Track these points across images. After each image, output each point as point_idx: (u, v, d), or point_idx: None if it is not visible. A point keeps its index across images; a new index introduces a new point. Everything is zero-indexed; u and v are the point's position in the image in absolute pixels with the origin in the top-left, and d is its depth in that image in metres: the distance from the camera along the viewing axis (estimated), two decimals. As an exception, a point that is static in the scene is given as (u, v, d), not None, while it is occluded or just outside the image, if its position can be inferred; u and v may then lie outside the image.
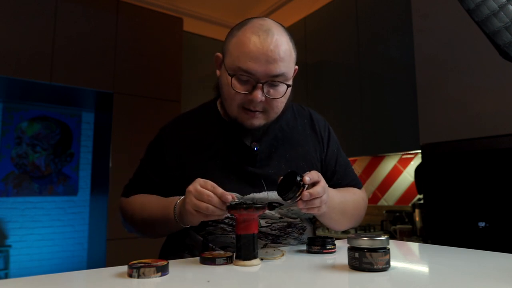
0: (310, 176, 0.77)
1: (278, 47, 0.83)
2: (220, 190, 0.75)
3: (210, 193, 0.75)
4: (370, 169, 3.02)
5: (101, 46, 2.96)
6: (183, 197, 0.83)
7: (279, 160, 0.96)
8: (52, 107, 3.92)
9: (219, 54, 0.94)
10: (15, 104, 3.77)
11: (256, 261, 0.73)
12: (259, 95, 0.84)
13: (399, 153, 2.73)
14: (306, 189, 0.76)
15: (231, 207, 0.73)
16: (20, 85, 2.85)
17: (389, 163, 2.87)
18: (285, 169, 0.95)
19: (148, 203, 0.95)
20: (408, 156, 2.74)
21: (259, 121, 0.90)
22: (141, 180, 1.01)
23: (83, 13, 2.90)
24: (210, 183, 0.77)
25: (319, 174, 0.79)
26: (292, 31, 3.28)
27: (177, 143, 0.97)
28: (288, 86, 0.89)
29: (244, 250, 0.72)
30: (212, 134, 0.97)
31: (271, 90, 0.87)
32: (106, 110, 3.27)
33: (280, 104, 0.91)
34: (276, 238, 0.93)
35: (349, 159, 3.40)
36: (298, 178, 0.74)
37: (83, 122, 4.14)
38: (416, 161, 2.67)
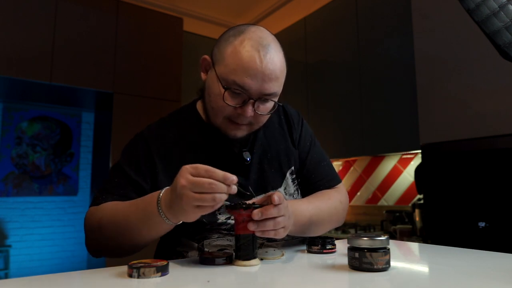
0: (277, 195, 0.70)
1: (275, 65, 0.82)
2: (219, 172, 0.65)
3: (211, 180, 0.64)
4: (370, 169, 3.02)
5: (101, 46, 2.96)
6: (164, 190, 0.72)
7: (261, 162, 0.95)
8: (52, 107, 3.92)
9: (207, 57, 0.91)
10: (15, 104, 3.77)
11: (255, 261, 0.72)
12: (249, 110, 0.83)
13: (399, 153, 2.73)
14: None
15: (231, 207, 0.73)
16: (20, 85, 2.85)
17: (389, 163, 2.87)
18: (268, 169, 0.95)
19: (122, 206, 0.81)
20: (408, 156, 2.74)
21: (242, 132, 0.89)
22: (120, 187, 0.87)
23: (83, 13, 2.90)
24: (201, 167, 0.66)
25: (281, 196, 0.72)
26: (292, 31, 3.32)
27: (163, 147, 0.92)
28: (275, 103, 0.88)
29: (243, 250, 0.72)
30: (197, 141, 0.93)
31: (261, 106, 0.86)
32: (106, 110, 3.27)
33: (266, 118, 0.91)
34: None
35: (349, 159, 3.38)
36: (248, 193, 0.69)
37: (83, 122, 4.14)
38: (416, 161, 2.67)
